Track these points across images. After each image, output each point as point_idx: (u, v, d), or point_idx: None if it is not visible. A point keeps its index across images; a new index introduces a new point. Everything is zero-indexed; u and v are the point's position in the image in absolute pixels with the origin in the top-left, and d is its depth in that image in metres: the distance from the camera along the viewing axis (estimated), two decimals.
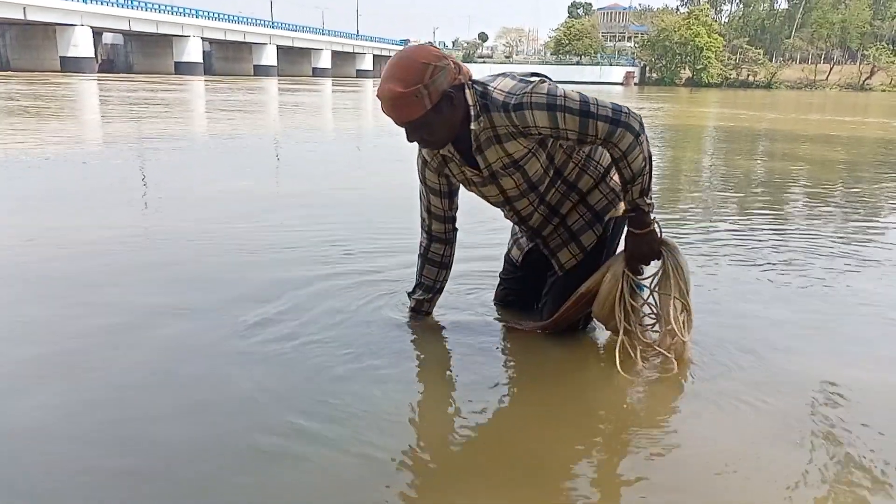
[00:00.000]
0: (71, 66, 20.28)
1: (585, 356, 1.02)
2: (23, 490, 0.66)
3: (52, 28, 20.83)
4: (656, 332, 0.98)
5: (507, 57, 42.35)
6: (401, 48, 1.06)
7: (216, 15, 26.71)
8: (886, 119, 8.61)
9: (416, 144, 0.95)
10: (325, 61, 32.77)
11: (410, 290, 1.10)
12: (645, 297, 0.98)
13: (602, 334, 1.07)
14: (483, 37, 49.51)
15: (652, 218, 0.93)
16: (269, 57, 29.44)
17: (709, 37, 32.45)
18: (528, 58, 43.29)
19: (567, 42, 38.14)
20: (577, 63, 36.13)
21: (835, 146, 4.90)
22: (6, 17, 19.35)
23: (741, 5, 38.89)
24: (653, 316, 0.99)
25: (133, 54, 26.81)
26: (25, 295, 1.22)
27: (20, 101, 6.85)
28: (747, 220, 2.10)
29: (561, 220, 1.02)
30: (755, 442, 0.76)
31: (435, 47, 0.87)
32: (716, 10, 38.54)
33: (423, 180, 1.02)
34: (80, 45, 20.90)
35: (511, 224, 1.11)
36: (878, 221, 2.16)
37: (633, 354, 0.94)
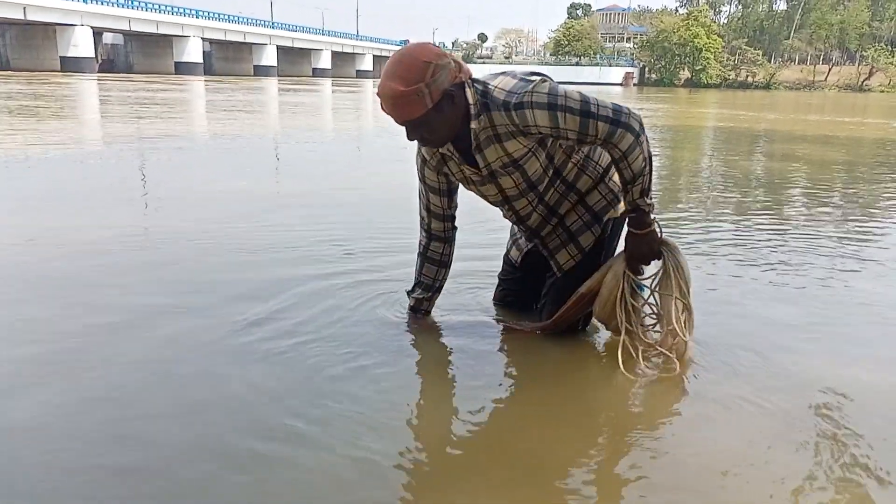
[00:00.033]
0: (71, 66, 20.28)
1: (585, 356, 1.02)
2: (23, 490, 0.66)
3: (53, 28, 20.84)
4: (657, 332, 0.98)
5: (506, 58, 42.38)
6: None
7: (216, 15, 26.72)
8: (885, 120, 8.62)
9: (415, 143, 0.95)
10: (324, 62, 32.79)
11: (409, 288, 1.10)
12: (646, 297, 0.98)
13: (602, 334, 1.07)
14: (482, 37, 49.54)
15: (652, 218, 0.94)
16: (269, 57, 29.46)
17: (708, 38, 32.49)
18: (527, 58, 43.29)
19: (566, 43, 38.24)
20: (577, 64, 36.17)
21: (834, 147, 4.91)
22: (6, 17, 19.35)
23: (740, 6, 38.92)
24: (654, 316, 0.99)
25: (133, 54, 26.80)
26: (25, 294, 1.22)
27: (20, 100, 6.85)
28: (747, 220, 2.10)
29: (559, 221, 1.02)
30: (755, 442, 0.76)
31: (435, 45, 0.87)
32: (715, 11, 38.60)
33: (423, 178, 1.01)
34: (81, 45, 20.90)
35: (510, 224, 1.11)
36: (877, 221, 2.17)
37: (634, 355, 0.94)
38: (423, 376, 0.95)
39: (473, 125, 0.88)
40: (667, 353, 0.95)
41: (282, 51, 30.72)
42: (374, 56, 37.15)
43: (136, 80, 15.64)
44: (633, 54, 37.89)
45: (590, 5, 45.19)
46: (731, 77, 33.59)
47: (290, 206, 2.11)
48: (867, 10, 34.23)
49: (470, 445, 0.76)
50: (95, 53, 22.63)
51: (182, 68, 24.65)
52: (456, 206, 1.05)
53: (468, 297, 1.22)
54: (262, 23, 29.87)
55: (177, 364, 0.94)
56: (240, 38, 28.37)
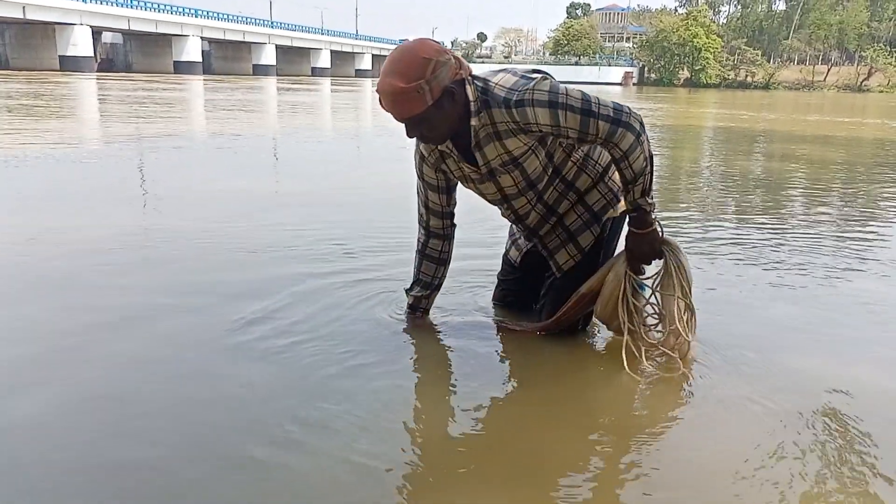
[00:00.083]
0: (70, 65, 20.22)
1: (585, 356, 1.02)
2: (24, 488, 0.66)
3: (52, 27, 20.77)
4: (659, 331, 0.98)
5: (505, 57, 42.40)
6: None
7: (215, 14, 26.68)
8: (884, 120, 8.62)
9: (413, 140, 0.94)
10: (324, 61, 32.74)
11: (408, 287, 1.09)
12: (647, 297, 0.98)
13: (602, 334, 1.07)
14: (482, 37, 49.60)
15: (653, 217, 0.93)
16: (268, 56, 29.41)
17: (707, 38, 32.49)
18: (526, 58, 43.35)
19: (566, 42, 38.19)
20: (576, 63, 36.18)
21: (834, 147, 4.91)
22: (5, 16, 19.31)
23: (739, 6, 38.93)
24: (655, 316, 0.98)
25: (132, 53, 26.73)
26: (25, 293, 1.22)
27: (20, 99, 6.83)
28: (748, 219, 2.10)
29: (558, 220, 1.01)
30: (757, 442, 0.76)
31: (435, 41, 0.86)
32: (714, 11, 38.59)
33: (421, 175, 1.01)
34: (80, 44, 20.85)
35: (509, 224, 1.11)
36: (878, 221, 2.16)
37: (638, 355, 0.94)
38: (422, 376, 0.94)
39: (473, 122, 0.88)
40: (670, 353, 0.95)
41: (281, 50, 30.66)
42: (373, 55, 37.18)
43: (136, 79, 15.62)
44: (632, 54, 37.87)
45: (589, 5, 45.28)
46: (730, 77, 33.61)
47: (290, 206, 2.11)
48: (866, 10, 34.24)
49: (470, 446, 0.76)
50: (94, 53, 22.57)
51: (181, 67, 24.61)
52: (455, 203, 1.04)
53: (467, 296, 1.22)
54: (261, 22, 29.83)
55: (176, 363, 0.94)
56: (239, 38, 28.33)
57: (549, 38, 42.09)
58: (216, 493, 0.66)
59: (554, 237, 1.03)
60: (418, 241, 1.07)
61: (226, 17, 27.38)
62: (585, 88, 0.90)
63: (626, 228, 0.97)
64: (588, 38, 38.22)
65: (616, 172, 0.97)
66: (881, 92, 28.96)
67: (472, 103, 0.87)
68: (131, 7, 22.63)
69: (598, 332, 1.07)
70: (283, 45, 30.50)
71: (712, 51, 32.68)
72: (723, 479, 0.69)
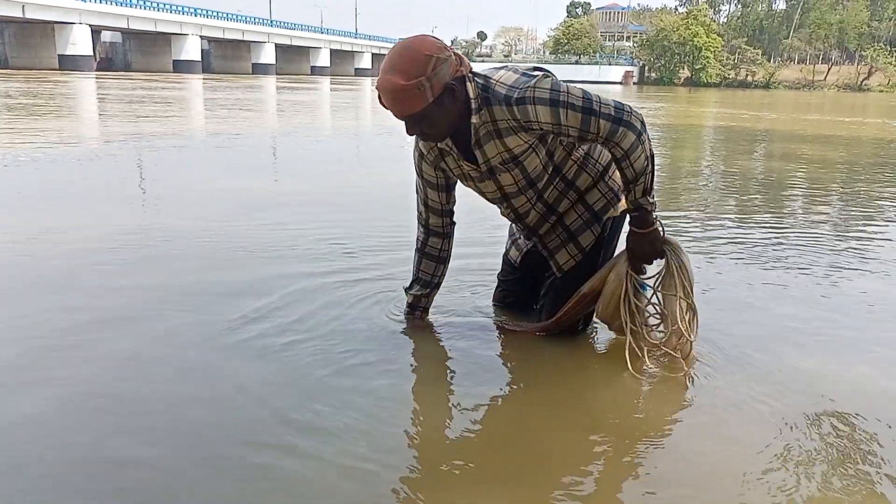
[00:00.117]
0: (69, 64, 20.20)
1: (586, 357, 1.01)
2: (24, 486, 0.66)
3: (51, 26, 20.77)
4: (661, 332, 0.98)
5: (505, 56, 42.73)
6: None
7: (215, 13, 26.68)
8: (885, 119, 8.62)
9: (413, 138, 0.93)
10: (323, 60, 32.73)
11: (407, 285, 1.08)
12: (649, 297, 0.97)
13: (602, 335, 1.06)
14: (482, 36, 49.85)
15: (655, 217, 0.93)
16: (267, 55, 29.40)
17: (707, 37, 32.48)
18: (526, 57, 43.48)
19: (566, 41, 38.19)
20: (576, 62, 36.21)
21: (835, 146, 4.91)
22: (5, 15, 19.30)
23: (739, 5, 38.97)
24: (657, 316, 0.98)
25: (131, 52, 26.73)
26: (25, 292, 1.22)
27: (19, 98, 6.83)
28: (748, 218, 2.10)
29: (559, 219, 1.00)
30: (760, 441, 0.76)
31: (436, 38, 0.85)
32: (714, 10, 38.63)
33: (420, 173, 0.99)
34: (79, 43, 20.85)
35: (509, 224, 1.10)
36: (880, 221, 2.16)
37: (641, 355, 0.93)
38: (422, 376, 0.94)
39: (474, 119, 0.87)
40: (672, 353, 0.94)
41: (280, 49, 30.65)
42: (372, 54, 37.19)
43: (135, 78, 15.61)
44: (632, 53, 37.87)
45: (589, 4, 45.25)
46: (730, 76, 33.63)
47: (289, 205, 2.11)
48: (866, 9, 34.25)
49: (470, 446, 0.75)
50: (94, 52, 22.58)
51: (180, 66, 24.61)
52: (454, 201, 1.03)
53: (467, 296, 1.21)
54: (261, 21, 29.78)
55: (176, 362, 0.94)
56: (238, 37, 28.33)
57: (549, 36, 42.20)
58: (217, 492, 0.66)
59: (554, 237, 1.02)
60: (417, 239, 1.06)
61: (225, 15, 27.39)
62: (586, 87, 0.89)
63: (626, 228, 0.97)
64: (588, 37, 38.21)
65: (616, 171, 0.96)
66: (881, 91, 28.97)
67: (472, 101, 0.86)
68: (130, 6, 22.62)
69: (599, 332, 1.07)
70: (283, 44, 30.48)
71: (713, 50, 32.69)
72: (726, 479, 0.69)
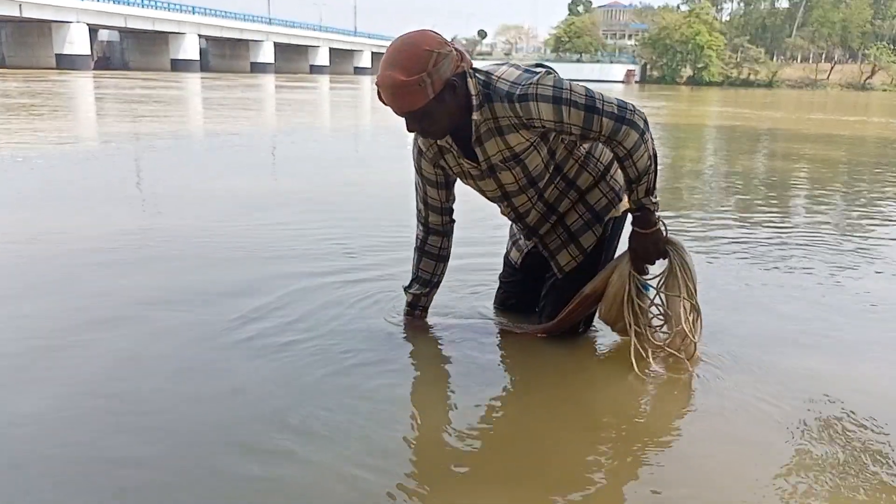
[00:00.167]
0: (66, 63, 20.18)
1: (587, 358, 1.00)
2: (23, 486, 0.66)
3: (48, 25, 20.73)
4: (665, 332, 0.97)
5: (506, 54, 42.40)
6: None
7: (213, 12, 26.61)
8: (889, 119, 8.62)
9: (411, 135, 0.92)
10: (322, 58, 32.65)
11: (407, 284, 1.07)
12: (651, 298, 0.96)
13: (603, 336, 1.05)
14: (482, 34, 49.66)
15: (657, 217, 0.92)
16: (266, 54, 29.33)
17: (710, 35, 32.38)
18: (527, 55, 43.24)
19: (567, 40, 38.08)
20: (578, 61, 36.09)
21: (838, 146, 4.90)
22: (2, 14, 19.27)
23: (742, 4, 38.86)
24: (661, 317, 0.97)
25: (129, 51, 26.66)
26: (25, 292, 1.21)
27: (17, 98, 6.82)
28: (751, 218, 2.09)
29: (559, 219, 0.99)
30: (764, 442, 0.75)
31: (436, 33, 0.83)
32: (717, 8, 38.43)
33: (419, 171, 0.98)
34: (76, 42, 20.81)
35: (510, 224, 1.09)
36: (884, 221, 2.15)
37: (645, 356, 0.93)
38: (421, 377, 0.93)
39: (475, 116, 0.86)
40: (676, 354, 0.93)
41: (279, 47, 30.56)
42: (372, 53, 37.08)
43: (133, 77, 15.59)
44: (634, 51, 37.77)
45: (591, 2, 44.95)
46: (733, 75, 33.51)
47: (289, 204, 2.10)
48: (869, 7, 34.17)
49: (470, 446, 0.74)
50: (91, 51, 22.51)
51: (178, 65, 24.57)
52: (454, 199, 1.01)
53: (468, 296, 1.21)
54: (259, 19, 29.68)
55: (175, 361, 0.94)
56: (236, 35, 28.23)
57: (550, 35, 42.10)
58: (216, 492, 0.65)
59: (555, 237, 1.01)
60: (417, 237, 1.05)
61: (223, 14, 27.32)
62: (588, 86, 0.88)
63: (627, 228, 0.96)
64: (590, 36, 38.12)
65: (618, 171, 0.96)
66: (885, 90, 28.94)
67: (473, 97, 0.85)
68: (128, 4, 22.57)
69: (600, 334, 1.06)
70: (282, 42, 30.39)
71: (715, 48, 32.60)
72: (729, 479, 0.68)
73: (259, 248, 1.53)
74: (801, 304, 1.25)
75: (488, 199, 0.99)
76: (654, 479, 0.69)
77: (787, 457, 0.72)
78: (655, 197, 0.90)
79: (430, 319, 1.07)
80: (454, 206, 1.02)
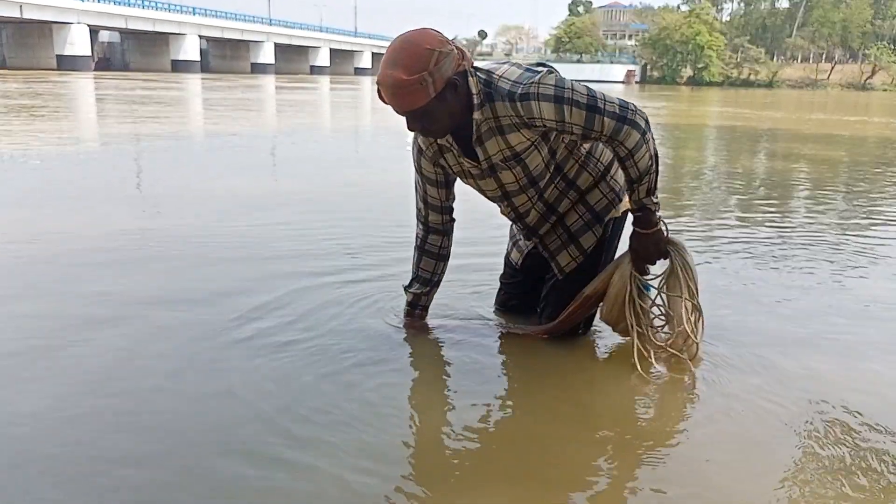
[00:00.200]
0: (67, 64, 20.21)
1: (588, 359, 1.00)
2: (24, 486, 0.66)
3: (49, 26, 20.76)
4: (667, 333, 0.96)
5: (506, 55, 42.48)
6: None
7: (213, 13, 26.67)
8: (889, 119, 8.62)
9: (411, 135, 0.92)
10: (323, 59, 32.68)
11: (407, 283, 1.06)
12: (653, 298, 0.96)
13: (603, 337, 1.05)
14: (482, 34, 49.71)
15: (658, 217, 0.91)
16: (266, 55, 29.34)
17: (710, 35, 32.41)
18: (527, 56, 43.36)
19: (567, 40, 38.12)
20: (578, 61, 36.13)
21: (839, 146, 4.90)
22: (2, 16, 19.31)
23: (742, 4, 38.88)
24: (662, 317, 0.97)
25: (130, 52, 26.71)
26: (25, 292, 1.21)
27: (18, 99, 6.83)
28: (753, 218, 2.08)
29: (559, 219, 0.99)
30: (767, 441, 0.75)
31: (437, 31, 0.83)
32: (717, 8, 38.46)
33: (419, 169, 0.98)
34: (77, 43, 20.84)
35: (510, 224, 1.09)
36: (885, 221, 2.15)
37: (647, 357, 0.92)
38: (422, 377, 0.93)
39: (476, 115, 0.85)
40: (679, 354, 0.93)
41: (279, 48, 30.58)
42: (372, 53, 37.11)
43: (133, 78, 15.63)
44: (634, 52, 37.79)
45: (591, 2, 45.00)
46: (733, 75, 33.52)
47: (289, 204, 2.10)
48: (869, 7, 34.18)
49: (470, 446, 0.74)
50: (92, 52, 22.53)
51: (179, 66, 24.58)
52: (454, 198, 1.01)
53: (468, 297, 1.20)
54: (260, 20, 29.74)
55: (175, 360, 0.94)
56: (237, 36, 28.26)
57: (550, 35, 42.14)
58: (216, 490, 0.65)
59: (555, 237, 1.01)
60: (417, 236, 1.04)
61: (224, 15, 27.34)
62: (588, 86, 0.88)
63: (627, 229, 0.95)
64: (590, 36, 38.13)
65: (618, 171, 0.95)
66: (885, 90, 28.92)
67: (474, 96, 0.84)
68: (129, 6, 22.61)
69: (600, 335, 1.06)
70: (282, 43, 30.40)
71: (715, 49, 32.61)
72: (733, 479, 0.68)
73: (259, 248, 1.53)
74: (802, 303, 1.25)
75: (488, 198, 0.99)
76: (656, 480, 0.68)
77: (790, 457, 0.72)
78: (656, 197, 0.89)
79: (430, 320, 1.07)
80: (454, 205, 1.02)
